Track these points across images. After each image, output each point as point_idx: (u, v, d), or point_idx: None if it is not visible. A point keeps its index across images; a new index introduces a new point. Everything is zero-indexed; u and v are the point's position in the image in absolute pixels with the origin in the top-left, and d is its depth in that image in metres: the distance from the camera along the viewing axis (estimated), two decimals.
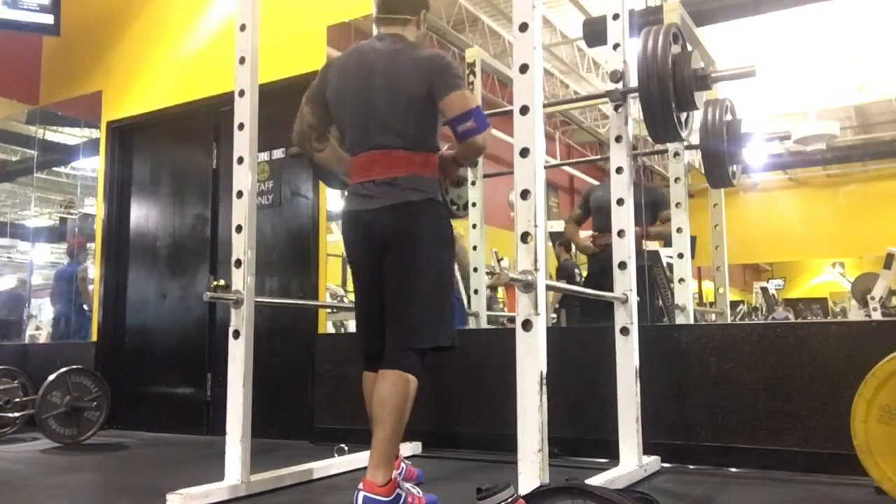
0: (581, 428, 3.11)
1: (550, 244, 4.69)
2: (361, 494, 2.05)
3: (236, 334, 2.59)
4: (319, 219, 4.15)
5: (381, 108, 2.25)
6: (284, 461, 2.90)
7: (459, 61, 4.58)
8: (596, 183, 4.75)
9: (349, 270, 4.60)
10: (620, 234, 2.75)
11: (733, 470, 2.81)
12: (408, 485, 2.28)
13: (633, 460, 2.64)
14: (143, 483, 3.01)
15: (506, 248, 4.61)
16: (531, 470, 1.93)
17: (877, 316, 4.00)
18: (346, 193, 2.44)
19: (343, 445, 3.06)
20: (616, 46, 2.82)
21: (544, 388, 1.97)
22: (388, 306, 2.27)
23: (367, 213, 2.28)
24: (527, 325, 1.99)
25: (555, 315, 4.26)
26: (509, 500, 1.46)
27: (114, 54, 5.22)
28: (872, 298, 4.08)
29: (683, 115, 2.67)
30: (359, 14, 4.02)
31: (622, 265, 2.74)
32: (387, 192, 2.24)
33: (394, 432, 2.12)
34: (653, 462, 2.78)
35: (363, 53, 2.34)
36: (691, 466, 2.89)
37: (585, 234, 4.34)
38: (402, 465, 2.65)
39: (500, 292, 5.08)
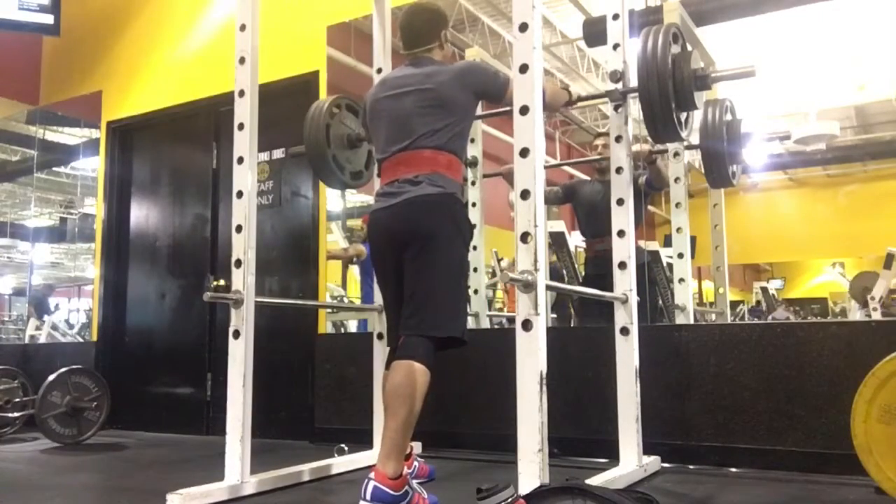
0: (581, 428, 3.11)
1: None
2: (371, 483, 2.06)
3: (236, 334, 2.59)
4: (319, 219, 4.15)
5: (412, 115, 2.37)
6: (284, 461, 2.90)
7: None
8: (586, 178, 4.63)
9: (349, 270, 4.64)
10: (620, 234, 2.75)
11: (733, 470, 2.81)
12: (416, 483, 2.29)
13: (633, 460, 2.64)
14: (143, 483, 3.01)
15: (506, 248, 4.61)
16: (531, 470, 1.93)
17: (877, 316, 4.00)
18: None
19: (343, 445, 3.06)
20: (616, 46, 2.82)
21: (544, 388, 1.97)
22: (405, 296, 2.31)
23: (389, 208, 2.36)
24: (527, 325, 1.99)
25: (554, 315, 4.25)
26: (509, 500, 1.47)
27: (114, 54, 5.22)
28: (872, 298, 4.07)
29: (683, 115, 2.66)
30: (359, 14, 4.02)
31: (622, 265, 2.74)
32: (408, 189, 2.33)
33: (404, 423, 2.14)
34: (653, 462, 2.78)
35: (397, 74, 2.51)
36: (691, 466, 2.89)
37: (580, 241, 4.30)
38: (415, 462, 2.66)
39: (500, 293, 5.08)
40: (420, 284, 2.28)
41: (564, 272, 4.40)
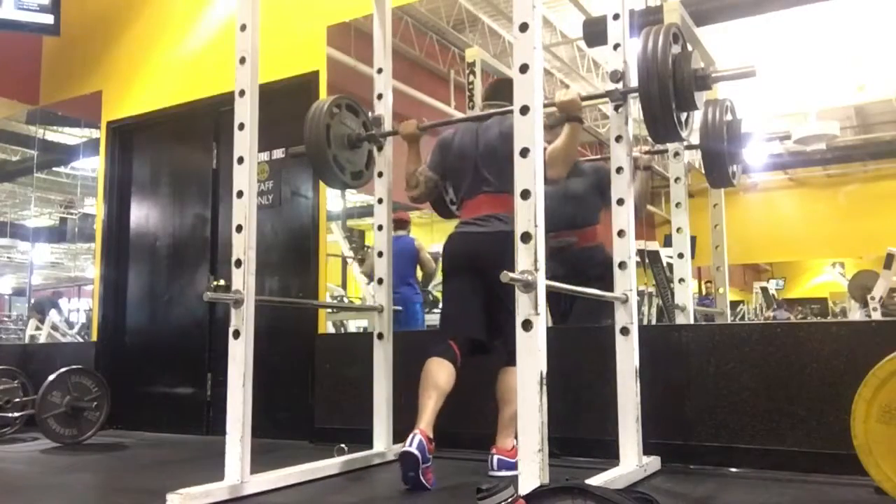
0: (581, 428, 3.11)
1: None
2: (495, 457, 2.69)
3: (236, 334, 2.59)
4: (319, 219, 4.15)
5: (483, 166, 2.87)
6: (284, 461, 2.90)
7: (459, 61, 4.59)
8: None
9: (349, 270, 4.64)
10: (620, 234, 2.75)
11: (733, 470, 2.81)
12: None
13: (633, 460, 2.64)
14: (143, 483, 3.01)
15: None
16: (531, 470, 1.93)
17: (877, 316, 3.99)
18: (456, 226, 2.99)
19: (343, 445, 3.06)
20: (616, 46, 2.82)
21: (544, 388, 1.98)
22: (498, 315, 2.71)
23: (477, 234, 2.84)
24: (527, 325, 2.00)
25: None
26: (509, 500, 1.47)
27: (114, 54, 5.22)
28: (872, 298, 4.07)
29: (683, 115, 2.66)
30: (359, 14, 4.02)
31: (622, 265, 2.74)
32: (493, 224, 2.81)
33: (515, 412, 2.36)
34: (653, 462, 2.78)
35: (471, 129, 2.97)
36: (691, 466, 2.89)
37: None
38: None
39: None
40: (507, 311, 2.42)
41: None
